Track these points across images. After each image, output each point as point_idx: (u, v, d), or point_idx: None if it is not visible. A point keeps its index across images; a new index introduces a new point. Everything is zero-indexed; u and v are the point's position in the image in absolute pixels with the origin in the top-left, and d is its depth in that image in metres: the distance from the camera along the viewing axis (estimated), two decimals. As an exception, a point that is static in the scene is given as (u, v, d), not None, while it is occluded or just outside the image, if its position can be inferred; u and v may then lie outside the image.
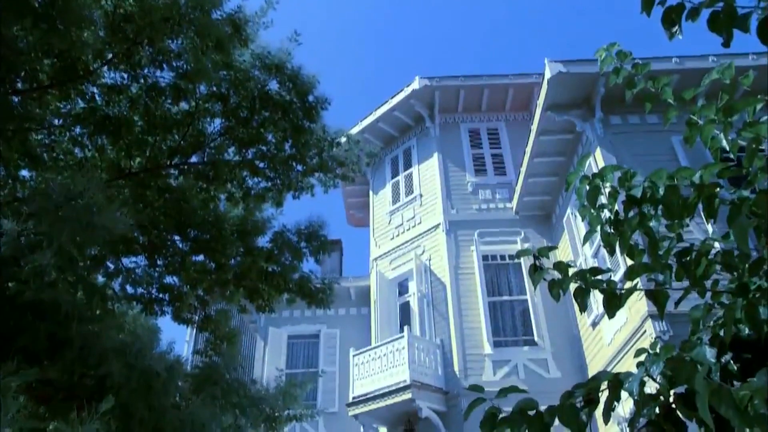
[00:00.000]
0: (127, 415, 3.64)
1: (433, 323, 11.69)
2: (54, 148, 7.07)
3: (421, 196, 13.70)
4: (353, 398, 11.17)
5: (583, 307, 2.71)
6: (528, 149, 11.35)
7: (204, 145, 7.24)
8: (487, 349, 10.74)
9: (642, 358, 2.10)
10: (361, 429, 11.58)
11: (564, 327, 11.12)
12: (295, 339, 15.22)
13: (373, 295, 13.40)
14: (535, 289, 3.17)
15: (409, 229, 13.54)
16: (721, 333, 2.29)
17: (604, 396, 2.33)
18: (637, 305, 8.30)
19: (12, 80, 5.76)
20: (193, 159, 7.29)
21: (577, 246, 10.74)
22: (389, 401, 10.41)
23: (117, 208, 3.26)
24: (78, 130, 6.93)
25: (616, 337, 9.23)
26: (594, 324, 10.10)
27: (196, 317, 7.64)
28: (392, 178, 14.89)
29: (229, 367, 4.85)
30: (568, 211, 11.23)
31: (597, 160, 9.57)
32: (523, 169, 11.72)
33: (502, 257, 12.12)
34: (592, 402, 2.40)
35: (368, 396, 10.81)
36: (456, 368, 10.82)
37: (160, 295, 7.52)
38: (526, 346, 10.90)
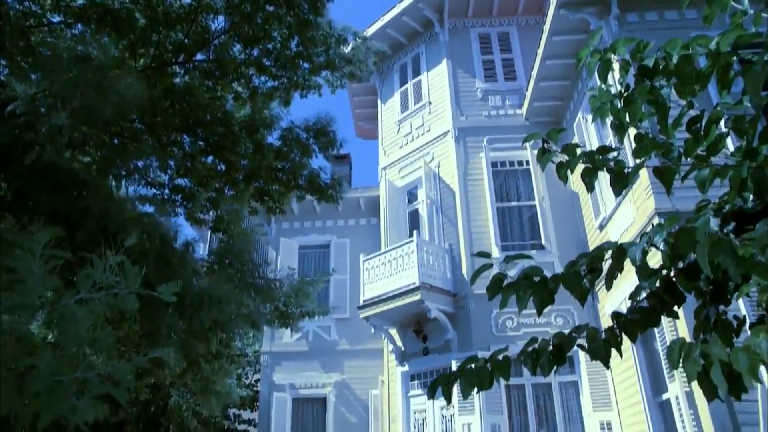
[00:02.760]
0: (147, 287, 3.78)
1: (441, 229, 11.85)
2: (56, 48, 6.96)
3: (430, 103, 13.51)
4: (364, 301, 11.51)
5: (590, 188, 2.72)
6: (539, 51, 11.04)
7: (209, 42, 7.10)
8: (495, 253, 10.91)
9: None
10: (372, 330, 12.01)
11: (571, 231, 11.24)
12: (306, 249, 15.53)
13: (383, 203, 13.52)
14: (542, 170, 3.17)
15: (417, 137, 13.44)
16: (726, 208, 2.31)
17: (607, 265, 2.38)
18: (645, 204, 8.33)
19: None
20: (199, 57, 7.18)
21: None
22: (399, 303, 10.73)
23: (128, 73, 3.25)
24: (79, 27, 6.79)
25: (623, 239, 9.32)
26: (601, 227, 10.18)
27: (209, 218, 7.78)
28: (401, 86, 14.63)
29: (244, 251, 4.97)
30: (579, 115, 11.07)
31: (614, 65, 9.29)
32: (534, 72, 11.45)
33: (511, 163, 12.09)
34: (595, 270, 2.46)
35: (379, 298, 11.13)
36: (464, 271, 11.07)
37: (173, 196, 7.63)
38: (533, 250, 11.07)
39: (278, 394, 14.17)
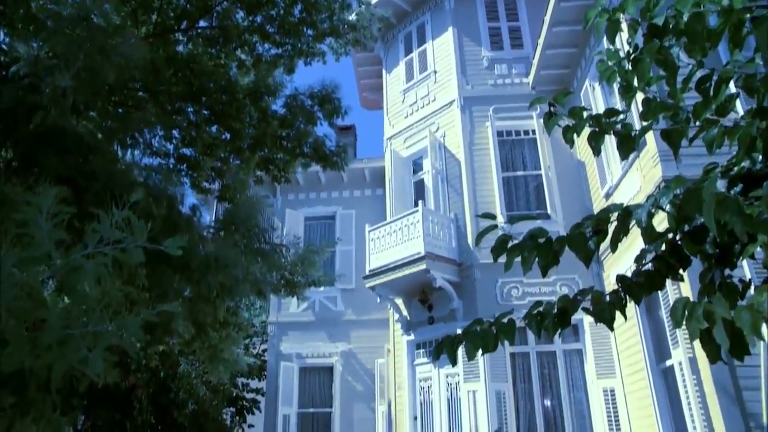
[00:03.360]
0: (155, 254, 3.81)
1: (447, 199, 11.84)
2: (58, 15, 6.90)
3: (435, 72, 13.37)
4: (369, 271, 11.58)
5: (597, 152, 2.69)
6: (547, 18, 10.87)
7: (211, 9, 7.03)
8: (501, 222, 10.91)
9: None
10: (378, 300, 12.10)
11: (577, 200, 11.21)
12: (311, 221, 15.57)
13: (388, 173, 13.50)
14: (548, 134, 3.14)
15: (423, 106, 13.34)
16: (734, 170, 2.28)
17: (612, 227, 2.37)
18: (652, 172, 8.28)
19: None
20: (201, 24, 7.11)
21: (594, 118, 10.55)
22: (405, 272, 10.79)
23: (131, 35, 3.22)
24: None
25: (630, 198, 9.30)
26: (608, 195, 10.15)
27: (215, 187, 7.79)
28: (405, 55, 14.47)
29: (250, 216, 4.99)
30: (587, 83, 10.94)
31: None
32: (541, 39, 11.30)
33: (517, 133, 12.01)
34: (600, 232, 2.45)
35: (384, 268, 11.19)
36: (469, 241, 11.09)
37: (178, 166, 7.63)
38: (539, 220, 11.05)
39: (285, 364, 14.37)
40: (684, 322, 1.81)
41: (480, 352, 2.38)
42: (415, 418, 11.40)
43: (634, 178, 8.91)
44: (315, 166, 15.27)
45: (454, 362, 2.32)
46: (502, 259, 2.40)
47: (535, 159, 11.75)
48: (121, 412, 8.35)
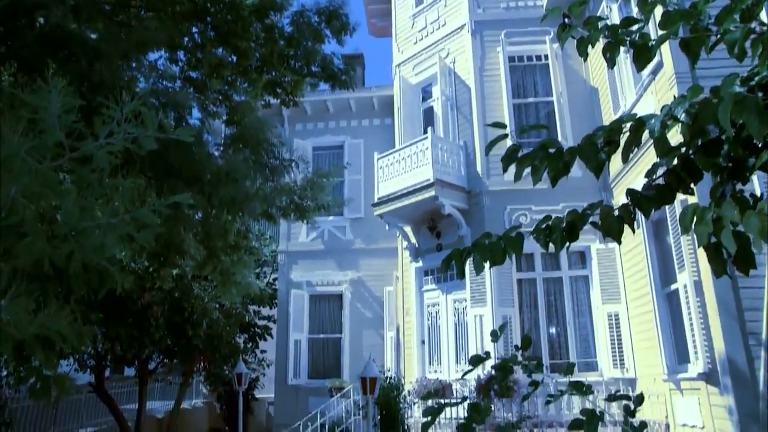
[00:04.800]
0: (166, 167, 3.82)
1: (456, 126, 11.70)
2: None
3: (445, -5, 12.92)
4: (378, 198, 11.62)
5: (612, 63, 2.59)
6: (564, -66, 10.37)
7: None
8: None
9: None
10: (386, 228, 12.21)
11: (589, 126, 10.99)
12: (319, 150, 15.51)
13: (397, 101, 13.31)
14: (561, 47, 3.04)
15: (432, 31, 12.97)
16: (755, 80, 2.20)
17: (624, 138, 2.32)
18: (667, 95, 8.09)
19: None
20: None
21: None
22: (413, 199, 10.82)
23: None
24: None
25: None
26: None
27: (222, 110, 7.72)
28: (415, -23, 13.94)
29: (258, 131, 4.96)
30: (603, 4, 10.56)
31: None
32: (557, -42, 10.82)
33: (529, 58, 11.71)
34: (612, 143, 2.41)
35: (393, 195, 11.22)
36: (478, 168, 11.04)
37: (185, 89, 7.53)
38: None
39: (296, 291, 14.70)
40: (693, 228, 1.80)
41: (487, 266, 2.40)
42: (423, 342, 11.72)
43: (649, 102, 8.72)
44: (323, 94, 15.13)
45: (461, 274, 2.34)
46: (512, 171, 2.39)
47: (547, 85, 11.51)
48: (139, 328, 8.64)
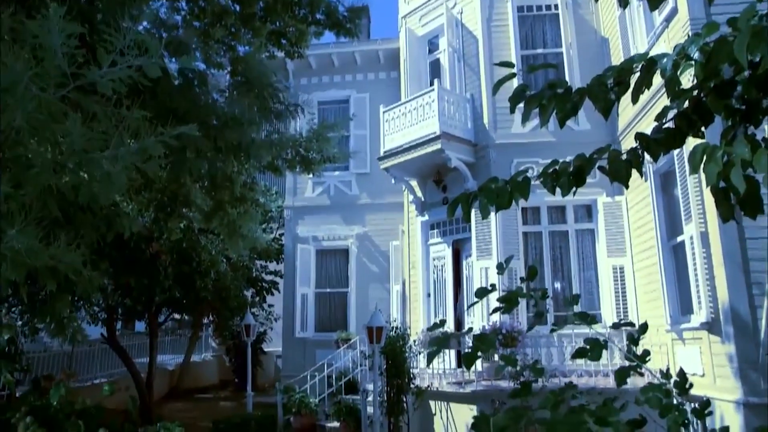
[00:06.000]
0: (170, 111, 3.80)
1: (463, 78, 11.53)
2: None
3: (453, -58, 12.54)
4: (384, 152, 11.57)
5: (624, 3, 2.52)
6: None
7: None
8: (520, 102, 10.67)
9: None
10: (392, 182, 12.19)
11: (598, 79, 10.85)
12: (325, 105, 15.35)
13: (403, 53, 13.10)
14: None
15: (440, -19, 12.65)
16: None
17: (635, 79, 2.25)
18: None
19: None
20: None
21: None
22: (419, 153, 10.76)
23: None
24: None
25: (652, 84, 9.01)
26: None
27: (226, 61, 7.61)
28: (422, -76, 13.51)
29: (262, 74, 4.91)
30: (616, -50, 10.23)
31: None
32: None
33: (539, 8, 11.42)
34: (622, 83, 2.35)
35: (399, 149, 11.16)
36: (485, 121, 10.93)
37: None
38: (557, 99, 10.79)
39: (302, 246, 14.80)
40: (702, 167, 1.77)
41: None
42: (429, 295, 11.85)
43: (661, 51, 8.55)
44: (328, 47, 14.88)
45: (468, 217, 2.33)
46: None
47: (557, 36, 11.27)
48: (148, 277, 8.77)
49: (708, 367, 7.28)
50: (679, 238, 8.14)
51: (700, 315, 7.34)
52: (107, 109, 1.98)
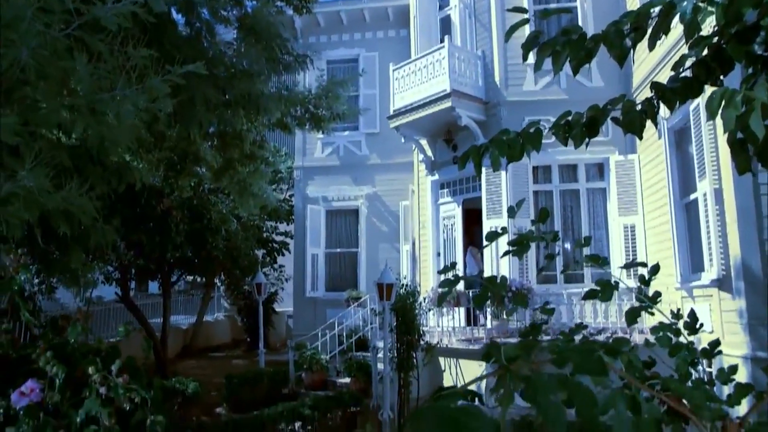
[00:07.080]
0: (179, 63, 3.75)
1: (474, 35, 11.31)
2: None
3: None
4: (394, 111, 11.45)
5: None
6: None
7: None
8: (530, 58, 10.47)
9: None
10: (402, 140, 12.11)
11: (613, 34, 10.60)
12: (334, 64, 15.15)
13: (412, 9, 12.83)
14: None
15: (451, -67, 12.28)
16: None
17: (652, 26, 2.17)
18: None
19: None
20: None
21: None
22: (429, 111, 10.64)
23: None
24: None
25: (668, 39, 8.78)
26: (646, 27, 9.56)
27: (233, 16, 7.49)
28: None
29: (270, 25, 4.83)
30: None
31: None
32: None
33: (554, -40, 11.10)
34: (639, 29, 2.27)
35: (409, 107, 11.04)
36: (497, 78, 10.75)
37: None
38: (570, 56, 10.57)
39: (312, 207, 14.84)
40: (720, 113, 1.72)
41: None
42: (438, 254, 11.89)
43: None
44: (336, 4, 14.58)
45: (479, 171, 2.29)
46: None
47: (572, -8, 10.97)
48: (160, 233, 8.85)
49: (717, 324, 7.30)
50: (692, 196, 8.06)
51: (711, 272, 7.32)
52: (113, 47, 1.95)
